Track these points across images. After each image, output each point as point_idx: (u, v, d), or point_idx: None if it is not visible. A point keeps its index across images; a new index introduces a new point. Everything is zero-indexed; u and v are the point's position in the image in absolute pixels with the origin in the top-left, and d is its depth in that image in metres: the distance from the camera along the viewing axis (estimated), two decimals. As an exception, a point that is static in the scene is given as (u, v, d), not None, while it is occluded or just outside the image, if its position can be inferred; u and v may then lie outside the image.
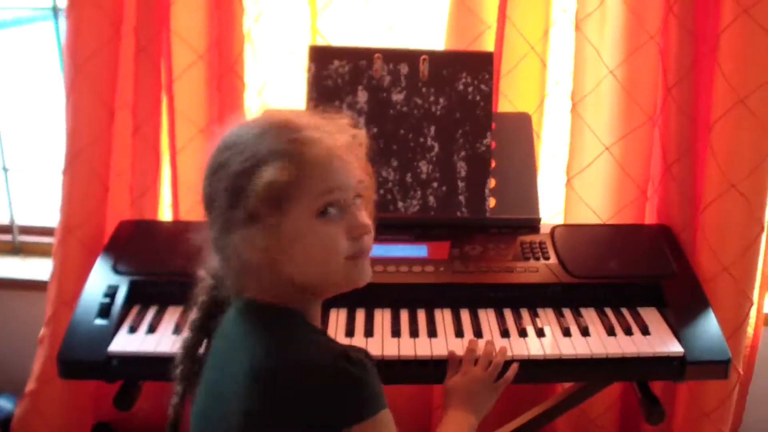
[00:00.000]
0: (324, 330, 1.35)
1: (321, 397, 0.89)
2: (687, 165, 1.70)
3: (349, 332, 1.41)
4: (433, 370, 1.33)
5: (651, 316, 1.48)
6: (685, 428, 1.83)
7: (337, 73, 1.62)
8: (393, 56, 1.62)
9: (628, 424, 1.95)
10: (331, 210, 0.95)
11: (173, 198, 1.90)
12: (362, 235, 0.97)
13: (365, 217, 0.99)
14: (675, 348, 1.39)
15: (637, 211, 1.81)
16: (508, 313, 1.47)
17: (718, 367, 1.41)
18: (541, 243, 1.58)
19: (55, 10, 2.04)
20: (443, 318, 1.45)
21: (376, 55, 1.62)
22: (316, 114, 1.00)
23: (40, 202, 2.36)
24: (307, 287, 0.98)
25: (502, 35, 1.75)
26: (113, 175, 1.85)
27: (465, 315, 1.46)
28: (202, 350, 1.08)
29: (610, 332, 1.42)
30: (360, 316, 1.45)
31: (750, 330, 1.81)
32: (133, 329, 1.42)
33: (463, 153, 1.61)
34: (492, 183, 1.63)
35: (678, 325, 1.43)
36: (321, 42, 1.81)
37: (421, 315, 1.46)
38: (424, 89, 1.62)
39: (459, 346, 1.34)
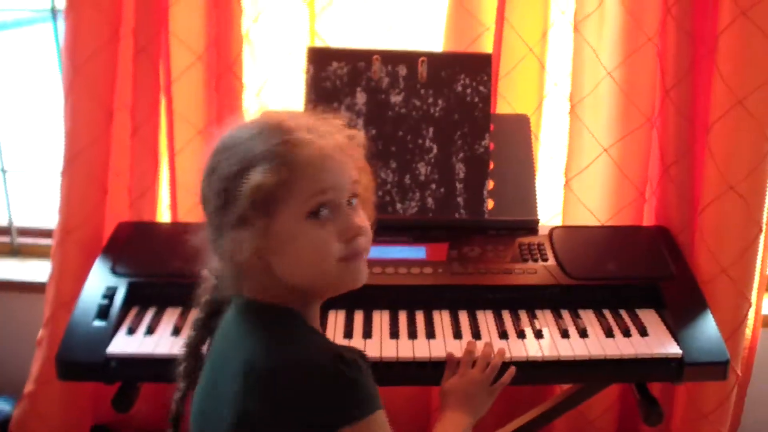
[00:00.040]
0: (323, 331, 1.35)
1: (321, 397, 0.89)
2: (685, 166, 1.71)
3: (348, 334, 1.41)
4: (432, 371, 1.33)
5: (649, 317, 1.48)
6: (683, 429, 1.83)
7: (335, 75, 1.62)
8: (391, 58, 1.63)
9: (626, 425, 1.95)
10: (323, 211, 0.95)
11: (172, 199, 1.90)
12: (355, 237, 0.96)
13: (359, 219, 0.98)
14: (673, 349, 1.39)
15: (635, 212, 1.82)
16: (506, 315, 1.47)
17: (716, 369, 1.41)
18: (539, 244, 1.59)
19: (53, 12, 2.04)
20: (441, 319, 1.45)
21: (375, 56, 1.62)
22: (313, 115, 1.00)
23: (39, 204, 2.36)
24: (301, 289, 0.98)
25: (500, 37, 1.75)
26: (112, 176, 1.85)
27: (463, 316, 1.46)
28: (204, 348, 1.09)
29: (609, 334, 1.42)
30: (358, 317, 1.45)
31: (748, 331, 1.81)
32: (131, 331, 1.42)
33: (461, 154, 1.62)
34: (490, 184, 1.63)
35: (676, 327, 1.44)
36: (319, 43, 1.82)
37: (420, 316, 1.46)
38: (422, 91, 1.62)
39: (457, 348, 1.34)
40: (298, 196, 0.93)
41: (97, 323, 1.42)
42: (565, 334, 1.41)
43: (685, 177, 1.71)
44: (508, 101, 1.79)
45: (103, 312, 1.44)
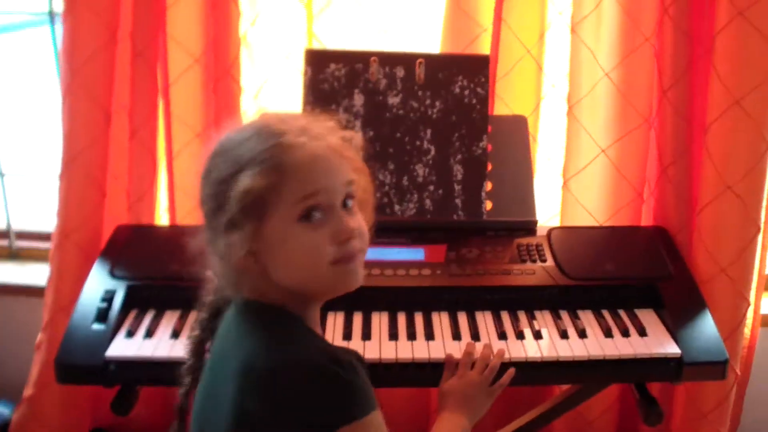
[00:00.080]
0: (322, 332, 1.35)
1: (320, 397, 0.90)
2: (683, 167, 1.71)
3: (347, 335, 1.41)
4: (431, 372, 1.33)
5: (648, 317, 1.48)
6: (683, 429, 1.83)
7: (333, 77, 1.62)
8: (389, 59, 1.63)
9: (625, 425, 1.95)
10: (315, 214, 0.94)
11: (170, 202, 1.90)
12: (348, 240, 0.96)
13: (353, 221, 0.97)
14: (672, 349, 1.39)
15: (633, 213, 1.82)
16: (505, 316, 1.47)
17: (715, 368, 1.41)
18: (537, 245, 1.59)
19: (51, 15, 2.04)
20: (440, 321, 1.45)
21: (372, 58, 1.62)
22: (308, 117, 1.00)
23: (37, 207, 2.36)
24: (296, 291, 0.98)
25: (498, 38, 1.75)
26: (110, 179, 1.84)
27: (462, 318, 1.46)
28: (207, 347, 1.09)
29: (608, 334, 1.42)
30: (357, 319, 1.45)
31: (747, 331, 1.81)
32: (130, 334, 1.42)
33: (459, 156, 1.62)
34: (488, 186, 1.63)
35: (675, 327, 1.44)
36: (317, 45, 1.82)
37: (419, 318, 1.46)
38: (420, 92, 1.62)
39: (456, 349, 1.34)
40: (288, 199, 0.93)
41: (96, 326, 1.42)
42: (564, 335, 1.41)
43: (682, 177, 1.71)
44: (505, 102, 1.80)
45: (101, 315, 1.44)
